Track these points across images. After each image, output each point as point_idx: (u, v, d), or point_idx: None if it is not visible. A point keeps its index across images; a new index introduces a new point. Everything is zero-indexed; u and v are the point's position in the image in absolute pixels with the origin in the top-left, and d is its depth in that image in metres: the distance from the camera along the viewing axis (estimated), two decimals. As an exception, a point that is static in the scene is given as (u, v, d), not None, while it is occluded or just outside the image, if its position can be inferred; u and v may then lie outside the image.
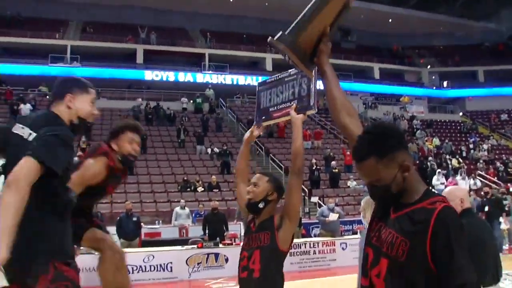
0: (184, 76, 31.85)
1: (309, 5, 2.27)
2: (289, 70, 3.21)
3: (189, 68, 32.65)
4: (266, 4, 35.84)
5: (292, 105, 3.20)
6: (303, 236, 14.94)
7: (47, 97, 26.76)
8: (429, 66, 40.69)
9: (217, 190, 19.10)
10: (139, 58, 32.03)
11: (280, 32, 2.25)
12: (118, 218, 12.64)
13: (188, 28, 36.65)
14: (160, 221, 16.02)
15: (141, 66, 31.61)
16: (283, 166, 22.17)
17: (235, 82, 33.01)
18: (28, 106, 22.33)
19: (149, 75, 31.38)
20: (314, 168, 20.88)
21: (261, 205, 3.22)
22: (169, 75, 31.56)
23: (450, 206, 1.86)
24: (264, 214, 3.23)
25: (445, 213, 1.80)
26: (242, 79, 33.06)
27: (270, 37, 2.27)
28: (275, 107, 3.34)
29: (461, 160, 25.70)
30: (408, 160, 1.91)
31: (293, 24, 2.28)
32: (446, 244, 1.74)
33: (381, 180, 1.88)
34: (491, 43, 41.58)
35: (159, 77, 31.31)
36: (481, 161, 27.09)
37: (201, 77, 32.49)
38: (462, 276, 1.72)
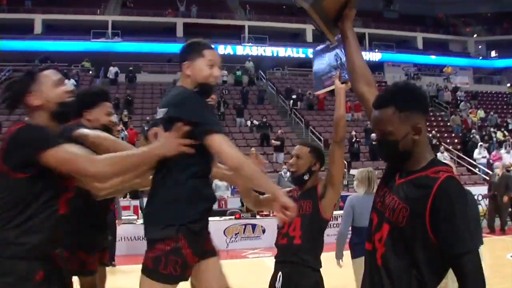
0: (224, 49, 31.80)
1: None
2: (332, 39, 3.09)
3: (229, 40, 32.57)
4: (307, -26, 35.23)
5: (337, 73, 3.23)
6: (341, 208, 14.89)
7: (90, 72, 27.29)
8: (475, 35, 39.39)
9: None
10: (179, 32, 32.18)
11: None
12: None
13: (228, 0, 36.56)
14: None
15: (181, 40, 31.72)
16: (322, 138, 22.08)
17: (275, 54, 32.78)
18: (72, 81, 22.79)
19: None
20: (354, 140, 20.67)
21: (306, 177, 3.33)
22: (220, 49, 31.54)
23: (454, 176, 1.85)
24: (307, 184, 3.32)
25: (448, 183, 1.80)
26: (283, 51, 32.82)
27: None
28: (326, 75, 3.37)
29: (506, 133, 24.91)
30: (422, 125, 1.91)
31: None
32: (448, 213, 1.75)
33: (392, 134, 1.89)
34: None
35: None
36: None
37: (241, 49, 32.41)
38: (464, 245, 1.74)
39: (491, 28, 39.48)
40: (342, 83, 3.16)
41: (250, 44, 32.72)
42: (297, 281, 3.10)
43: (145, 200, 3.87)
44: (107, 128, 3.26)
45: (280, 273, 3.18)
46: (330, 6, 2.31)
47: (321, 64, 3.43)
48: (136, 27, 31.09)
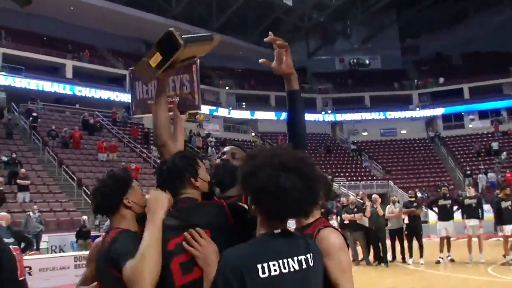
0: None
1: (197, 34, 2.67)
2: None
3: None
4: (72, 8, 34.76)
5: (174, 100, 2.99)
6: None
7: None
8: (227, 87, 43.19)
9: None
10: None
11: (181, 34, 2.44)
12: None
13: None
14: None
15: None
16: (75, 178, 21.95)
17: (31, 86, 30.78)
18: None
19: None
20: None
21: None
22: None
23: None
24: None
25: None
26: (39, 84, 31.12)
27: (172, 28, 2.49)
28: (154, 101, 2.94)
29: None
30: None
31: (189, 36, 2.52)
32: None
33: None
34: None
35: None
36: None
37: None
38: None
39: (241, 83, 43.83)
40: (181, 112, 2.95)
41: (3, 73, 30.51)
42: None
43: None
44: None
45: None
46: (175, 58, 2.49)
47: (144, 86, 3.13)
48: None
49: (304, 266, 1.86)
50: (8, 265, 2.56)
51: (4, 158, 21.13)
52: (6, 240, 2.67)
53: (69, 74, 32.82)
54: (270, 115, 42.06)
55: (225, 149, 2.68)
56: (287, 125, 2.42)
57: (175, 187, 2.26)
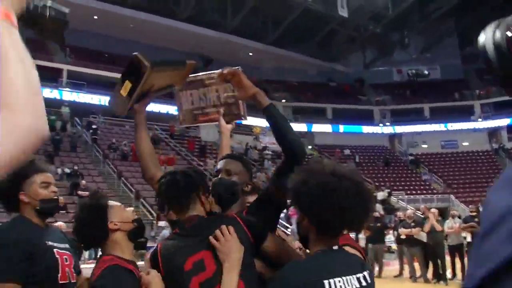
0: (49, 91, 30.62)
1: (169, 59, 2.61)
2: (209, 72, 2.95)
3: (46, 83, 31.46)
4: (131, 25, 35.95)
5: (219, 110, 2.95)
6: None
7: None
8: (283, 100, 43.23)
9: (64, 211, 18.80)
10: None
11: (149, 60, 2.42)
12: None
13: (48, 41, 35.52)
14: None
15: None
16: (134, 190, 22.40)
17: (92, 101, 32.23)
18: None
19: None
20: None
21: None
22: None
23: None
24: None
25: None
26: (100, 99, 32.23)
27: (137, 52, 2.48)
28: (200, 111, 3.02)
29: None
30: None
31: (158, 60, 2.47)
32: None
33: None
34: (339, 83, 45.57)
35: None
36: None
37: (57, 94, 31.48)
38: None
39: (297, 95, 43.76)
40: (227, 122, 2.96)
41: (67, 88, 31.92)
42: None
43: None
44: None
45: None
46: (148, 82, 2.44)
47: (189, 97, 3.05)
48: None
49: (364, 284, 1.82)
50: (47, 266, 2.56)
51: (67, 170, 21.93)
52: (57, 244, 2.69)
53: (128, 88, 33.64)
54: (326, 127, 41.72)
55: (219, 165, 2.53)
56: (279, 142, 2.25)
57: (183, 203, 2.14)
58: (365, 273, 1.85)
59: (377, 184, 33.61)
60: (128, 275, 2.18)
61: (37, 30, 1.47)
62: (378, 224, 14.36)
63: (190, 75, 2.92)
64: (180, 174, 2.17)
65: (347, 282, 1.76)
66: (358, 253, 2.13)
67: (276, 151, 35.50)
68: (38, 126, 1.01)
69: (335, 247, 1.88)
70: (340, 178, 1.83)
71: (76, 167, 21.96)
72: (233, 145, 33.54)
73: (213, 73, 2.82)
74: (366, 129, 42.44)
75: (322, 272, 1.75)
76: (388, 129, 43.18)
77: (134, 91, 2.42)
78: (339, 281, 1.74)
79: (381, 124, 43.24)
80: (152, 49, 37.99)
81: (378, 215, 14.22)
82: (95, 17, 34.90)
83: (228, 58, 40.65)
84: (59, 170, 22.16)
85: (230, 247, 1.97)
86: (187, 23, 37.91)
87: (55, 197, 2.74)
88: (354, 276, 1.80)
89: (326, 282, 1.72)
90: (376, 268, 14.24)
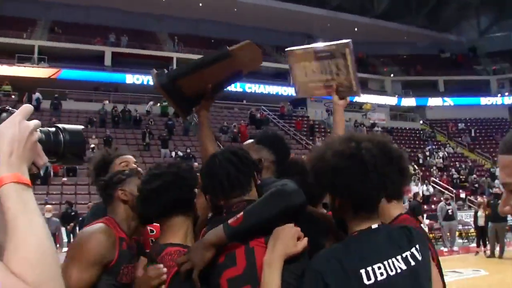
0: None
1: (201, 57, 2.46)
2: (322, 45, 2.82)
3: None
4: (235, 9, 36.50)
5: (332, 85, 2.82)
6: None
7: (12, 97, 26.80)
8: (392, 75, 41.88)
9: (180, 193, 19.63)
10: (107, 61, 32.23)
11: (163, 71, 2.39)
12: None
13: (157, 31, 37.06)
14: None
15: (109, 69, 31.85)
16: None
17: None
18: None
19: (130, 78, 31.40)
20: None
21: None
22: (148, 79, 31.52)
23: None
24: None
25: None
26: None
27: (153, 70, 2.45)
28: (314, 83, 2.91)
29: (416, 167, 26.75)
30: None
31: (176, 68, 2.44)
32: None
33: None
34: (452, 53, 43.21)
35: (140, 81, 31.14)
36: (434, 168, 28.31)
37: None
38: None
39: (406, 69, 42.16)
40: (340, 98, 2.81)
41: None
42: None
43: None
44: None
45: None
46: (186, 89, 2.37)
47: (302, 68, 2.90)
48: (64, 53, 30.83)
49: (412, 263, 1.59)
50: None
51: (180, 153, 22.83)
52: None
53: (235, 72, 34.38)
54: (438, 101, 39.80)
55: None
56: None
57: (244, 185, 1.89)
58: (413, 249, 1.62)
59: (496, 159, 31.61)
60: None
61: (56, 160, 1.33)
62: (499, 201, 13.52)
63: (300, 48, 2.83)
64: (238, 153, 1.96)
65: (390, 267, 1.55)
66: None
67: (385, 128, 34.60)
68: None
69: (375, 226, 1.66)
70: (358, 142, 1.66)
71: (188, 150, 22.76)
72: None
73: (325, 45, 2.73)
74: (483, 100, 39.89)
75: (359, 258, 1.55)
76: (507, 100, 40.28)
77: (179, 105, 2.44)
78: (379, 268, 1.53)
79: (499, 95, 40.42)
80: (256, 30, 38.47)
81: (499, 191, 13.34)
82: (200, 4, 35.81)
83: (332, 35, 40.11)
84: (173, 154, 23.16)
85: (287, 233, 1.68)
86: (289, 3, 37.76)
87: None
88: (399, 256, 1.58)
89: (363, 271, 1.51)
90: (497, 249, 13.48)
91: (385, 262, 1.55)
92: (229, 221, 1.72)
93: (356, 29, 40.09)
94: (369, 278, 1.50)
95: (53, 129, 1.32)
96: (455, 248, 15.77)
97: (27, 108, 1.18)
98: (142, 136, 24.20)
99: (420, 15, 42.30)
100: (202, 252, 1.73)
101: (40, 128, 1.23)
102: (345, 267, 1.51)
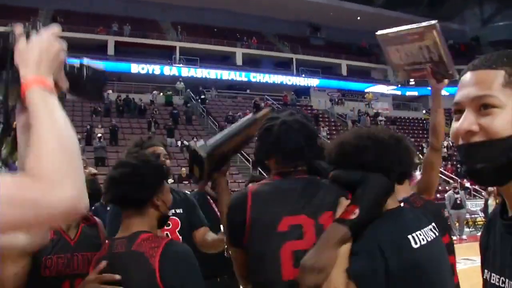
0: (160, 69, 32.05)
1: (233, 126, 2.50)
2: (409, 27, 2.73)
3: (160, 60, 32.85)
4: (238, -3, 36.36)
5: (427, 68, 2.73)
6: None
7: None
8: (394, 64, 41.65)
9: (187, 182, 19.59)
10: (110, 50, 32.12)
11: (202, 142, 2.41)
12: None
13: (160, 19, 36.88)
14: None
15: (112, 58, 31.73)
16: (250, 159, 22.77)
17: (205, 76, 33.35)
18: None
19: (135, 68, 31.47)
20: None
21: None
22: (152, 68, 31.76)
23: None
24: None
25: None
26: (213, 73, 33.42)
27: (192, 142, 2.60)
28: (410, 66, 2.85)
29: (421, 156, 26.67)
30: None
31: (215, 140, 2.42)
32: None
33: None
34: (454, 43, 43.04)
35: (145, 70, 31.37)
36: (440, 157, 28.32)
37: (173, 70, 32.69)
38: None
39: (410, 59, 41.89)
40: (437, 80, 2.75)
41: (181, 65, 33.09)
42: None
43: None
44: None
45: None
46: (216, 158, 2.43)
47: (396, 52, 2.85)
48: (67, 43, 30.61)
49: (436, 234, 1.80)
50: None
51: (186, 143, 22.76)
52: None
53: (239, 61, 34.38)
54: (443, 90, 39.63)
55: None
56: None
57: (305, 154, 1.98)
58: (431, 225, 1.81)
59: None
60: None
61: (76, 93, 1.42)
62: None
63: (390, 31, 2.80)
64: (301, 120, 2.03)
65: (426, 234, 1.73)
66: None
67: (389, 117, 34.57)
68: (74, 201, 0.99)
69: (402, 204, 1.86)
70: (370, 129, 1.85)
71: (195, 139, 22.69)
72: (345, 111, 33.10)
73: (411, 27, 2.69)
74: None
75: (404, 228, 1.72)
76: None
77: (202, 173, 2.42)
78: (420, 234, 1.71)
79: (503, 85, 40.31)
80: (259, 19, 38.35)
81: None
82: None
83: (335, 24, 39.98)
84: (179, 143, 23.11)
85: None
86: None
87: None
88: (427, 227, 1.77)
89: (410, 237, 1.67)
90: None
91: (422, 231, 1.73)
92: (340, 216, 1.74)
93: (359, 18, 39.98)
94: (416, 243, 1.67)
95: (77, 64, 1.41)
96: (464, 237, 15.83)
97: (56, 28, 1.27)
98: (147, 125, 24.15)
99: (423, 4, 42.15)
100: (330, 253, 1.66)
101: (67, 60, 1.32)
102: (394, 235, 1.67)
